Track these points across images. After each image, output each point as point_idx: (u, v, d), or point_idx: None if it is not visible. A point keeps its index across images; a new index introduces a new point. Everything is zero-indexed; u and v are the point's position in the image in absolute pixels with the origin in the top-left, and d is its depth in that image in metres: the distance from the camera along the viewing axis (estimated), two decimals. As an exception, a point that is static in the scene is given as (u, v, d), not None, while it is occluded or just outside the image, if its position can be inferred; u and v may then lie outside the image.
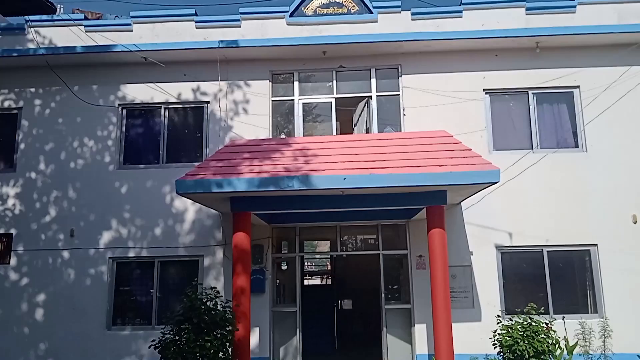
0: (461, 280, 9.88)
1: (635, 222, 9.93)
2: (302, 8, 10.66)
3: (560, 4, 10.50)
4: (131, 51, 10.18)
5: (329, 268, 16.67)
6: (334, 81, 10.72)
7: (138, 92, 10.78)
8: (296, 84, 10.73)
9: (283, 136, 10.56)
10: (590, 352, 9.36)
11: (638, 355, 9.03)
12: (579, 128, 10.36)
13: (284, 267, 11.08)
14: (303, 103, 10.69)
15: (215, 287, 7.84)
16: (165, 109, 10.84)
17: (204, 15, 10.74)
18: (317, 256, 21.88)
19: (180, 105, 10.83)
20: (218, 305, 7.60)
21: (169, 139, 10.75)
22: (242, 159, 8.47)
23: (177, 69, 10.62)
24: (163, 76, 10.65)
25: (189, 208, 10.23)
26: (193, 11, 10.72)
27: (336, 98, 10.69)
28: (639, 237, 9.85)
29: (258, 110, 10.55)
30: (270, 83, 10.74)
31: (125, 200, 10.36)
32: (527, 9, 10.49)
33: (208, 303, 7.52)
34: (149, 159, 10.67)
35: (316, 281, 21.53)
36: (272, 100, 10.71)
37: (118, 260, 10.26)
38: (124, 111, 10.89)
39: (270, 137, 10.41)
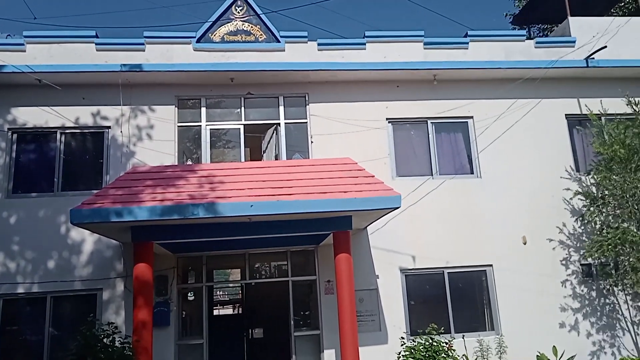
0: (368, 304, 10.08)
1: (525, 243, 10.70)
2: (210, 34, 10.63)
3: (455, 40, 11.30)
4: (23, 72, 9.56)
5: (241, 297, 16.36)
6: (242, 108, 10.71)
7: (31, 116, 10.11)
8: (203, 109, 10.59)
9: (189, 163, 10.34)
10: (488, 367, 9.86)
11: (530, 368, 9.64)
12: (473, 155, 11.07)
13: (190, 298, 10.72)
14: (210, 129, 10.56)
15: (113, 323, 7.44)
16: (61, 133, 10.23)
17: (112, 37, 10.34)
18: (227, 285, 21.43)
19: (79, 130, 10.29)
20: (116, 342, 7.18)
21: (66, 166, 10.14)
22: (144, 186, 8.17)
23: (76, 92, 10.11)
24: (59, 99, 10.08)
25: (86, 239, 9.65)
26: (94, 33, 10.32)
27: (245, 124, 10.67)
28: (528, 257, 10.61)
29: (163, 136, 10.27)
30: (176, 108, 10.52)
31: (14, 232, 9.57)
32: (425, 44, 11.17)
33: (105, 340, 7.10)
34: (43, 187, 9.98)
35: (228, 311, 21.04)
36: (178, 126, 10.48)
37: (4, 297, 9.41)
38: (15, 136, 10.15)
39: (176, 163, 10.15)
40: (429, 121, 11.13)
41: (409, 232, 10.40)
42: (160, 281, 9.65)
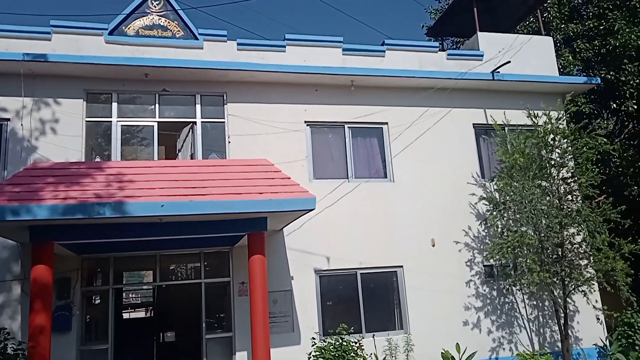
0: (282, 305, 10.10)
1: (433, 245, 11.18)
2: (123, 27, 10.22)
3: (372, 48, 11.62)
4: None
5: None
6: (157, 104, 10.37)
7: None
8: (115, 105, 10.14)
9: (98, 159, 9.87)
10: (396, 365, 10.20)
11: (435, 365, 10.08)
12: (387, 160, 11.43)
13: (96, 301, 10.23)
14: (122, 125, 10.14)
15: (6, 328, 6.93)
16: (-48, 124, 9.43)
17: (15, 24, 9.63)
18: (137, 288, 20.70)
19: (-27, 122, 9.52)
20: (8, 349, 6.70)
21: (-44, 160, 9.34)
22: (45, 183, 7.68)
23: (-30, 81, 9.36)
24: (-49, 88, 9.29)
25: (-21, 239, 8.93)
26: (-7, 18, 9.60)
27: (159, 122, 10.34)
28: (436, 259, 11.10)
29: (69, 131, 9.72)
30: (85, 102, 10.00)
31: None
32: (343, 50, 11.41)
33: (-4, 347, 6.60)
34: None
35: (140, 314, 20.34)
36: (87, 121, 9.96)
37: None
38: None
39: (84, 160, 9.64)
40: (346, 125, 11.36)
41: (325, 233, 10.55)
42: (62, 284, 9.13)
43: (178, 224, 8.10)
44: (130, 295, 24.99)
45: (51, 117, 9.68)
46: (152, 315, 15.55)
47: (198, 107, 10.55)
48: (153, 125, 10.28)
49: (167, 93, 10.40)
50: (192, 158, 10.33)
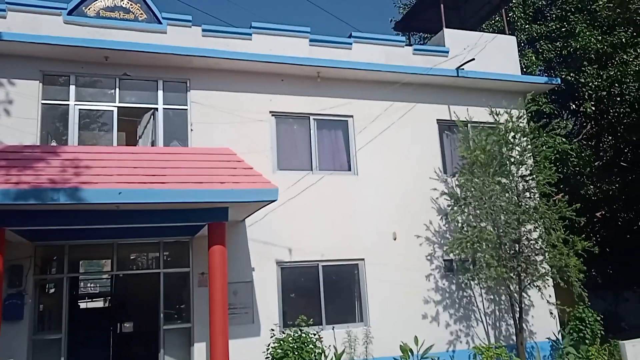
0: (242, 296, 10.02)
1: (395, 239, 11.28)
2: (83, 8, 9.87)
3: (339, 40, 11.59)
4: None
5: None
6: (117, 89, 10.07)
7: None
8: (72, 87, 9.80)
9: (54, 144, 9.53)
10: (355, 357, 10.27)
11: (394, 358, 10.18)
12: (351, 153, 11.44)
13: (50, 290, 9.93)
14: (80, 109, 9.81)
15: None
16: None
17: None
18: (95, 277, 20.24)
19: None
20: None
21: None
22: (-5, 167, 7.38)
23: None
24: None
25: None
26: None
27: (119, 107, 10.04)
28: (398, 252, 11.19)
29: (24, 113, 9.34)
30: (41, 84, 9.63)
31: None
32: (310, 40, 11.34)
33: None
34: None
35: (98, 304, 19.91)
36: (43, 104, 9.60)
37: None
38: None
39: (39, 144, 9.30)
40: (311, 117, 11.31)
41: (287, 225, 10.49)
42: (13, 271, 8.83)
43: (136, 212, 7.92)
44: (89, 285, 24.51)
45: (5, 98, 9.29)
46: (109, 305, 15.22)
47: (160, 93, 10.30)
48: (113, 111, 9.98)
49: (128, 78, 10.12)
50: (152, 145, 10.09)
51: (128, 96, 10.17)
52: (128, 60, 9.90)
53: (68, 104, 9.74)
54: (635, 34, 13.78)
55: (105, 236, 9.27)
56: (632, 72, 15.43)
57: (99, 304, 19.82)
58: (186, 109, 10.41)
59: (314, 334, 8.36)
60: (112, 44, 9.52)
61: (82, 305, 17.75)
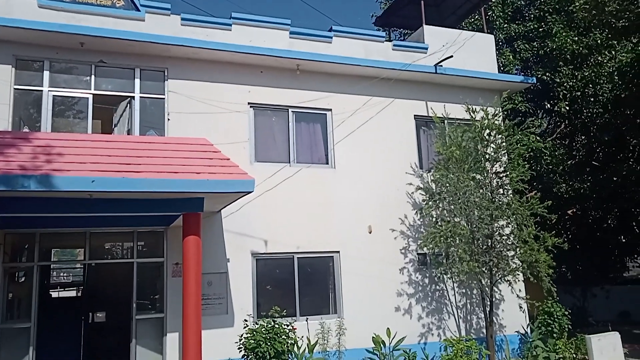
0: (217, 287, 10.01)
1: (370, 232, 11.38)
2: (60, -8, 9.68)
3: (319, 33, 11.60)
4: None
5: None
6: (93, 76, 9.92)
7: None
8: (46, 73, 9.62)
9: (26, 130, 9.36)
10: (328, 349, 10.36)
11: (367, 350, 10.30)
12: (329, 146, 11.49)
13: (21, 279, 9.78)
14: (54, 96, 9.64)
15: None
16: None
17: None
18: (66, 266, 19.97)
19: None
20: None
21: None
22: (-35, 152, 7.23)
23: None
24: None
25: None
26: None
27: (94, 94, 9.90)
28: (373, 246, 11.31)
29: (-4, 98, 9.17)
30: (14, 69, 9.44)
31: None
32: (291, 33, 11.32)
33: None
34: None
35: (71, 293, 19.68)
36: (15, 89, 9.41)
37: None
38: None
39: (10, 129, 9.13)
40: (290, 109, 11.31)
41: (263, 217, 10.51)
42: (-18, 259, 8.67)
43: (110, 201, 7.85)
44: (62, 274, 24.22)
45: (-25, 83, 9.09)
46: (81, 294, 15.04)
47: (137, 81, 10.18)
48: (88, 98, 9.84)
49: (104, 65, 9.98)
50: (128, 134, 9.98)
51: (104, 84, 10.04)
52: (105, 47, 9.76)
53: (42, 90, 9.57)
54: (609, 36, 14.05)
55: (78, 225, 9.13)
56: (606, 74, 15.78)
57: (71, 293, 19.58)
58: (163, 98, 10.32)
59: (287, 325, 8.41)
60: (88, 30, 9.37)
61: (54, 294, 17.52)
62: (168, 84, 10.35)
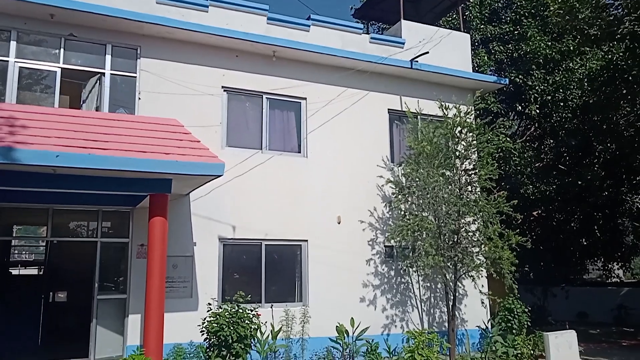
0: (182, 270, 9.92)
1: (339, 223, 11.43)
2: (30, -40, 9.35)
3: (297, 21, 11.54)
4: None
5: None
6: (62, 49, 9.65)
7: None
8: (13, 44, 9.30)
9: (-10, 101, 9.07)
10: (291, 336, 10.38)
11: (330, 338, 10.36)
12: (302, 135, 11.46)
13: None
14: (20, 67, 9.34)
15: None
16: None
17: None
18: (27, 243, 19.48)
19: None
20: None
21: None
22: None
23: None
24: None
25: None
26: None
27: (63, 68, 9.64)
28: (341, 236, 11.36)
29: (-42, 66, 8.85)
30: (-20, 37, 9.14)
31: None
32: (268, 19, 11.23)
33: None
34: None
35: (33, 271, 19.20)
36: (-20, 58, 9.12)
37: None
38: None
39: (-27, 100, 8.84)
40: (264, 96, 11.23)
41: (233, 202, 10.45)
42: (-63, 232, 8.39)
43: (75, 177, 7.68)
44: (24, 252, 23.75)
45: (-63, 49, 8.74)
46: (42, 273, 14.71)
47: (108, 57, 9.95)
48: (56, 72, 9.57)
49: (74, 38, 9.71)
50: (97, 111, 9.76)
51: (74, 58, 9.78)
52: (75, 20, 9.51)
53: (7, 60, 9.26)
54: (581, 42, 14.36)
55: (41, 200, 8.91)
56: (576, 80, 16.14)
57: (33, 272, 19.11)
58: (135, 77, 10.12)
59: (251, 311, 8.40)
60: (59, 2, 9.09)
61: (15, 272, 17.08)
62: (140, 63, 10.15)
